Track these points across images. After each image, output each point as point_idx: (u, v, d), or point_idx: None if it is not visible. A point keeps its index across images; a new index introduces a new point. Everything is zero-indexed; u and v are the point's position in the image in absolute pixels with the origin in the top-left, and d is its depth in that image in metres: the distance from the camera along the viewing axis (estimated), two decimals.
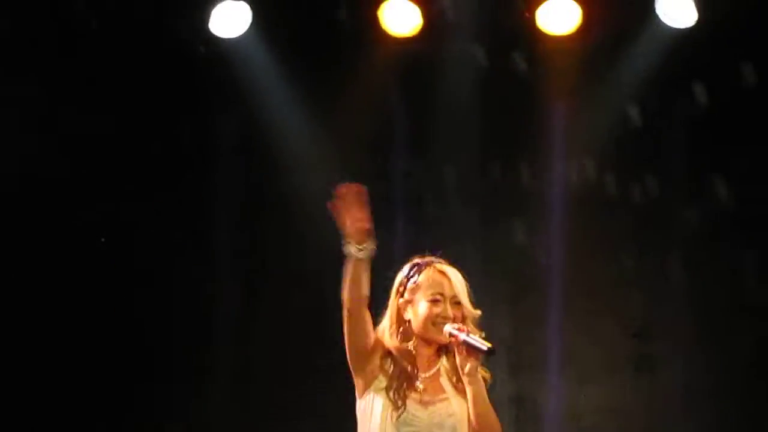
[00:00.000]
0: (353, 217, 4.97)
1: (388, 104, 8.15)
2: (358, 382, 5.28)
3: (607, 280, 8.07)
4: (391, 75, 8.03)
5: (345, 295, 5.07)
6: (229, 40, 7.88)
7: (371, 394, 5.25)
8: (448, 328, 5.16)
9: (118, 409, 7.56)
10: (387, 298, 5.09)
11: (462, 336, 5.15)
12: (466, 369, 5.09)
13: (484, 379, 5.11)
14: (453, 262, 5.09)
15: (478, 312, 5.07)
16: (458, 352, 5.19)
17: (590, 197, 8.07)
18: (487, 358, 5.08)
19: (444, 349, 5.30)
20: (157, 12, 7.91)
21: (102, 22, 8.07)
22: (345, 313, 5.12)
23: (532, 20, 7.59)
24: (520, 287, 8.21)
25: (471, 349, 5.19)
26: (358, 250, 4.98)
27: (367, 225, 4.95)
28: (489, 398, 5.10)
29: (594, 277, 8.12)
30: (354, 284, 5.06)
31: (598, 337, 8.04)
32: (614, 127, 8.07)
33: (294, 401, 8.23)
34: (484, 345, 5.04)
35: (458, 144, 8.14)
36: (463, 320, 5.10)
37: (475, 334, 5.05)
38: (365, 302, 5.14)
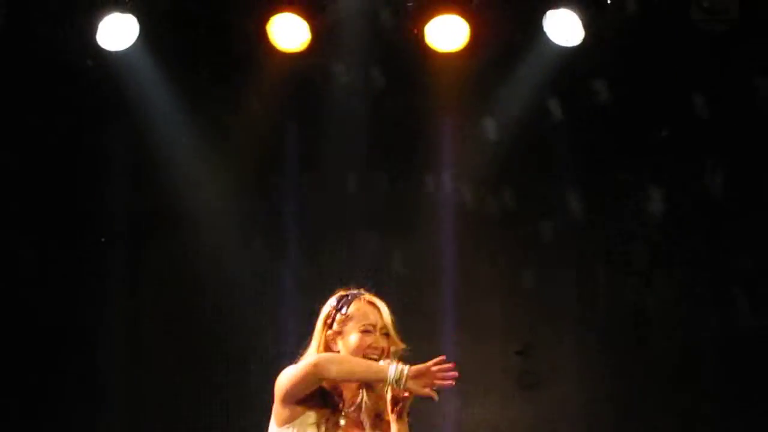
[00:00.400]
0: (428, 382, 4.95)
1: (279, 120, 8.03)
2: (282, 412, 5.27)
3: (493, 296, 8.03)
4: (280, 90, 7.87)
5: (334, 372, 5.03)
6: (116, 53, 7.62)
7: (294, 429, 5.33)
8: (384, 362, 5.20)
9: None
10: (310, 329, 4.98)
11: (409, 386, 5.10)
12: (399, 411, 5.15)
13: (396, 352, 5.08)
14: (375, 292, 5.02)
15: (403, 345, 5.05)
16: (417, 377, 5.30)
17: (478, 212, 7.99)
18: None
19: (364, 384, 5.53)
20: (43, 25, 7.67)
21: None
22: (315, 372, 5.08)
23: (420, 37, 7.45)
24: (408, 303, 7.76)
25: (425, 374, 5.23)
26: (393, 383, 4.92)
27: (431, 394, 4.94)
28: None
29: (480, 292, 8.08)
30: (352, 378, 5.10)
31: (484, 354, 7.98)
32: (501, 142, 7.98)
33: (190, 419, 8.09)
34: (434, 396, 5.11)
35: (347, 159, 7.95)
36: (388, 352, 5.09)
37: (393, 364, 5.15)
38: None
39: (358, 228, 8.26)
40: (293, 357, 4.90)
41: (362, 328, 5.08)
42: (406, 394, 4.96)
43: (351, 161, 8.09)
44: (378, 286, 7.02)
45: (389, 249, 8.10)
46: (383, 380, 4.99)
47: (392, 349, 5.08)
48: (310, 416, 5.17)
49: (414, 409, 5.90)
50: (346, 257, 8.22)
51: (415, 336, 7.11)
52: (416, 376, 4.94)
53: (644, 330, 8.35)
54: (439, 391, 4.68)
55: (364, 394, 5.14)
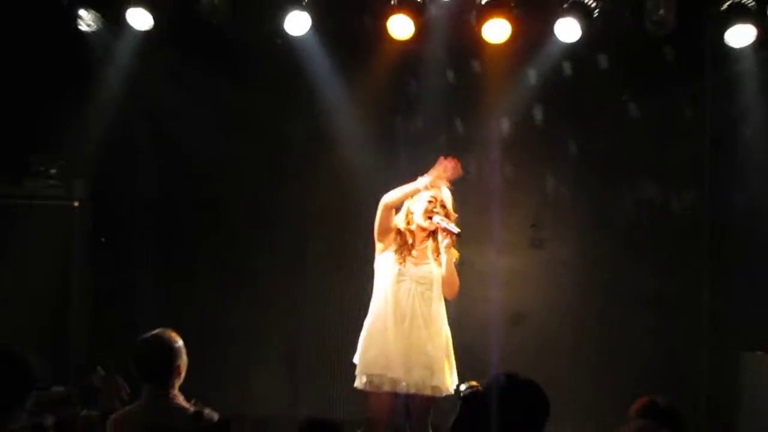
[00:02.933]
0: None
1: (396, 82, 9.44)
2: (378, 246, 7.09)
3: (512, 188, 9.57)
4: (396, 63, 9.29)
5: (392, 199, 6.90)
6: (297, 36, 8.95)
7: (387, 252, 7.08)
8: (437, 219, 6.94)
9: None
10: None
11: (443, 223, 6.90)
12: (444, 243, 6.93)
13: (454, 255, 7.02)
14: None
15: (456, 214, 7.00)
16: (440, 233, 6.96)
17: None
18: (458, 238, 6.98)
19: (431, 234, 7.10)
20: (253, 16, 8.95)
21: None
22: (384, 207, 6.94)
23: (479, 32, 8.79)
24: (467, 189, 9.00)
25: (448, 232, 6.95)
26: (422, 187, 6.94)
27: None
28: (455, 267, 6.97)
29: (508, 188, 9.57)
30: (402, 197, 6.97)
31: (509, 225, 9.58)
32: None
33: None
34: (456, 229, 6.90)
35: (435, 106, 9.47)
36: (448, 216, 7.00)
37: (452, 224, 6.95)
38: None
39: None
40: None
41: (428, 198, 7.02)
42: (445, 230, 6.75)
43: (430, 105, 9.47)
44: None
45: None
46: (418, 188, 6.81)
47: (450, 215, 7.02)
48: (393, 247, 7.06)
49: (465, 258, 7.64)
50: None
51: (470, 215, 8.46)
52: (436, 179, 6.80)
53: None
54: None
55: (430, 240, 7.02)
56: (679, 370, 9.23)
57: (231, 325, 9.50)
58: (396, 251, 6.97)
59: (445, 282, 6.92)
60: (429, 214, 6.91)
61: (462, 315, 8.87)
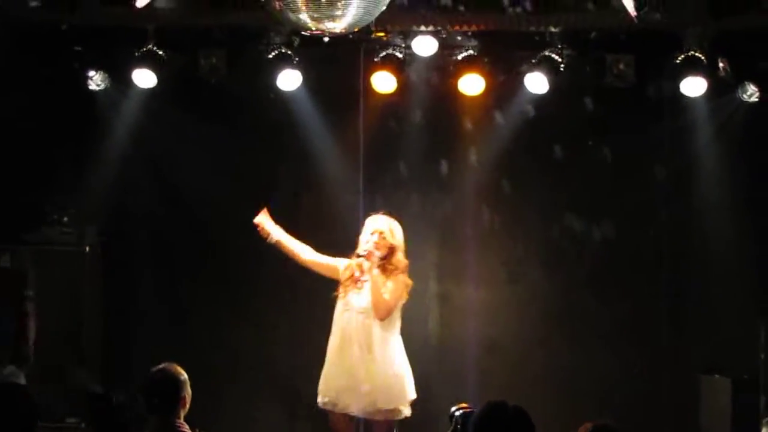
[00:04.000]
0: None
1: (379, 128, 9.56)
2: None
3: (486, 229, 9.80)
4: (378, 113, 9.51)
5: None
6: (288, 91, 9.16)
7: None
8: (364, 248, 7.22)
9: None
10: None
11: (362, 248, 7.18)
12: (366, 267, 7.17)
13: (406, 284, 7.26)
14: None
15: (401, 245, 7.27)
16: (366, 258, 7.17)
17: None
18: (408, 267, 7.26)
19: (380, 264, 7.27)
20: (250, 74, 9.18)
21: None
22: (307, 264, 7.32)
23: (455, 86, 9.10)
24: (445, 229, 9.85)
25: (366, 256, 7.19)
26: (268, 242, 7.36)
27: (257, 221, 7.29)
28: (412, 294, 7.22)
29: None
30: (293, 258, 7.37)
31: (485, 263, 9.82)
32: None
33: None
34: (363, 252, 7.17)
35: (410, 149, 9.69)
36: (387, 246, 7.25)
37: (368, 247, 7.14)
38: (311, 260, 7.40)
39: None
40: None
41: (370, 230, 7.26)
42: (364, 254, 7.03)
43: (411, 151, 9.69)
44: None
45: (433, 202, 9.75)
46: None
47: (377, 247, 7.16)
48: (342, 280, 7.34)
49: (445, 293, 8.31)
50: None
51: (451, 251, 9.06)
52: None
53: None
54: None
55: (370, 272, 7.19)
56: (642, 394, 9.51)
57: (233, 357, 9.77)
58: (342, 284, 7.29)
59: (373, 305, 7.13)
60: (365, 246, 7.23)
61: (442, 344, 9.61)
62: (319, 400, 7.22)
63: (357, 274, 7.20)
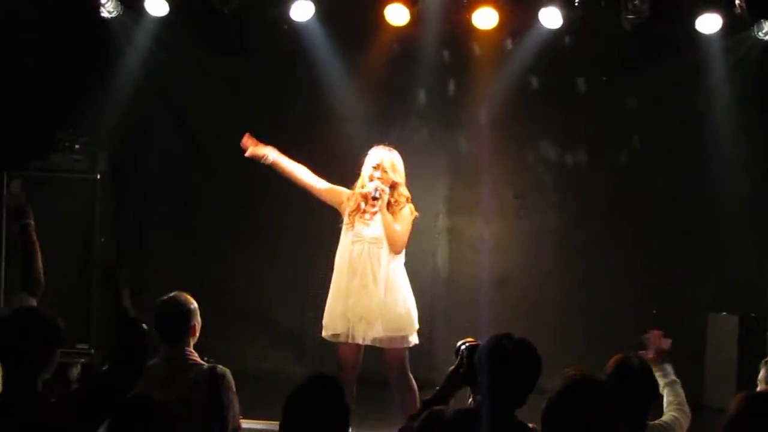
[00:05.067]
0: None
1: (391, 63, 9.56)
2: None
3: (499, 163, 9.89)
4: (391, 46, 9.49)
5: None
6: (301, 22, 9.09)
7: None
8: (372, 184, 7.03)
9: None
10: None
11: (370, 187, 7.00)
12: (378, 205, 7.01)
13: (413, 215, 7.09)
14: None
15: (401, 179, 7.07)
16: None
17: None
18: (411, 198, 7.08)
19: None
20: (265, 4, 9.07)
21: None
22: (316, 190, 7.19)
23: (469, 19, 9.00)
24: (456, 162, 9.92)
25: (376, 196, 7.01)
26: (263, 163, 7.17)
27: (249, 153, 7.10)
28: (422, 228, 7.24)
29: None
30: (291, 179, 7.21)
31: (496, 197, 9.89)
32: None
33: None
34: (373, 191, 6.95)
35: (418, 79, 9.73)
36: (388, 180, 7.06)
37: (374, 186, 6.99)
38: (311, 183, 7.20)
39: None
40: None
41: (373, 165, 7.06)
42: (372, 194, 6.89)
43: (423, 84, 9.81)
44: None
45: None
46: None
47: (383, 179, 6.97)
48: (347, 212, 7.17)
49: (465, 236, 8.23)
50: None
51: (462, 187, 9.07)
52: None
53: None
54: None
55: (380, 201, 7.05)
56: (652, 328, 9.38)
57: (242, 286, 9.86)
58: (349, 215, 7.19)
59: (388, 240, 7.05)
60: (370, 179, 7.11)
61: (453, 278, 9.65)
62: (327, 332, 7.14)
63: (363, 206, 7.10)
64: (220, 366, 5.33)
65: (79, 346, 9.04)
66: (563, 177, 9.95)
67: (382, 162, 7.08)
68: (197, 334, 5.51)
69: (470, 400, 4.55)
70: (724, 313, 9.29)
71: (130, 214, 9.82)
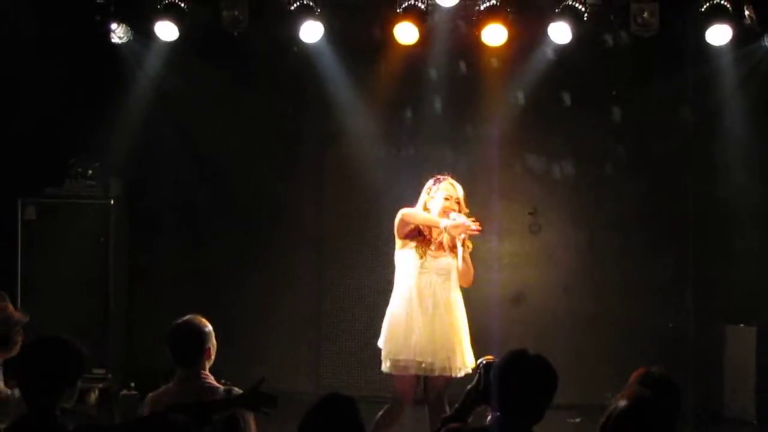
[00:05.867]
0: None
1: (401, 82, 9.53)
2: (399, 243, 7.07)
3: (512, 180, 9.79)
4: (400, 65, 9.45)
5: (417, 220, 6.89)
6: (310, 43, 9.06)
7: (407, 249, 7.07)
8: (453, 215, 6.86)
9: None
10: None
11: (461, 219, 6.80)
12: (461, 237, 6.89)
13: (469, 246, 6.97)
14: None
15: (467, 210, 6.98)
16: (454, 227, 6.81)
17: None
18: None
19: (444, 229, 6.92)
20: (274, 26, 9.02)
21: None
22: (402, 219, 6.94)
23: (478, 36, 8.92)
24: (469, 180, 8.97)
25: (460, 226, 6.82)
26: (443, 229, 6.82)
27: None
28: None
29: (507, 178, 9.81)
30: (418, 222, 6.95)
31: (509, 214, 9.82)
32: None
33: None
34: (475, 227, 6.76)
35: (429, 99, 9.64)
36: (460, 211, 7.00)
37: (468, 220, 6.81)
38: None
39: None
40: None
41: (444, 196, 7.06)
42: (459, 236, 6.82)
43: (433, 103, 9.71)
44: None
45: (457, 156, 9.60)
46: (437, 226, 6.83)
47: (462, 210, 7.01)
48: (413, 243, 7.07)
49: (479, 254, 7.60)
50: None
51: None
52: (454, 227, 6.78)
53: None
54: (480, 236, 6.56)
55: (444, 234, 6.98)
56: (669, 343, 9.44)
57: (257, 308, 9.82)
58: (416, 247, 7.05)
59: (462, 273, 6.99)
60: (447, 211, 6.98)
61: (467, 296, 9.12)
62: (388, 365, 6.98)
63: (428, 236, 7.04)
64: (236, 388, 5.22)
65: (96, 371, 9.00)
66: (576, 192, 9.89)
67: (457, 195, 7.06)
68: (212, 357, 5.45)
69: (489, 418, 4.46)
70: (741, 325, 9.22)
71: (143, 238, 9.83)
